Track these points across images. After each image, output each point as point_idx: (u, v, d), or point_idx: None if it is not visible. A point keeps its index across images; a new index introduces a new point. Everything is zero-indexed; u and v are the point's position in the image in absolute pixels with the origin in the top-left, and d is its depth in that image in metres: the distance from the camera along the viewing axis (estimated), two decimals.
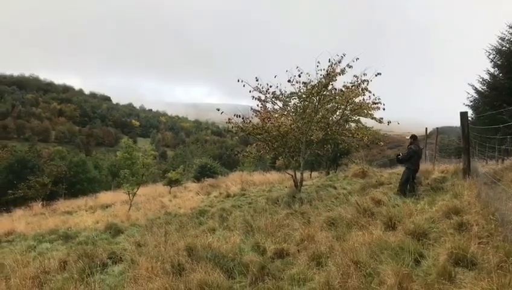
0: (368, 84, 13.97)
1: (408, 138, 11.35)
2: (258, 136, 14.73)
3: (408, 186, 10.24)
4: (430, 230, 5.97)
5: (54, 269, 7.46)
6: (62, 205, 29.64)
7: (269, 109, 14.86)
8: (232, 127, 14.68)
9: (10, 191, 37.09)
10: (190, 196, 22.95)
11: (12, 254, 9.84)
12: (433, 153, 17.60)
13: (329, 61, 13.53)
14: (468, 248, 4.74)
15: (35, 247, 12.07)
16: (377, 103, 15.07)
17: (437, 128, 19.46)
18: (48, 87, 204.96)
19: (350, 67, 13.46)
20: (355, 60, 13.44)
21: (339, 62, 13.48)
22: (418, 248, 5.23)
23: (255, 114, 14.96)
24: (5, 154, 45.43)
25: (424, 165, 14.67)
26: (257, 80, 13.94)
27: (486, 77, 22.99)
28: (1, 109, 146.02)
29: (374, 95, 14.67)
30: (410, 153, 10.75)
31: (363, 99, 14.81)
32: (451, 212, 6.47)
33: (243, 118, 14.51)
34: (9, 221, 20.83)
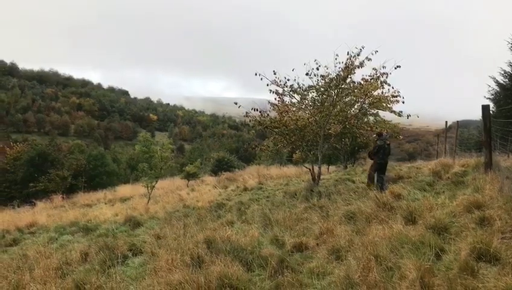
0: (387, 77, 13.84)
1: (374, 135, 12.88)
2: (275, 130, 14.69)
3: (376, 177, 11.70)
4: (451, 224, 5.89)
5: (75, 260, 7.58)
6: (82, 197, 30.09)
7: (287, 102, 14.82)
8: (250, 121, 14.69)
9: (31, 184, 37.82)
10: (207, 189, 23.05)
11: (35, 245, 10.03)
12: (453, 147, 17.35)
13: (347, 54, 13.43)
14: (491, 243, 4.67)
15: (56, 239, 12.26)
16: (396, 96, 14.94)
17: (457, 121, 19.17)
18: (67, 82, 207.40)
19: (369, 60, 13.33)
20: (374, 52, 13.31)
21: (358, 55, 13.36)
22: (439, 243, 5.16)
23: (272, 108, 14.94)
24: (26, 148, 46.17)
25: (444, 159, 14.51)
26: (275, 74, 13.91)
27: (508, 69, 22.56)
28: (22, 104, 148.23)
29: (393, 88, 14.55)
30: (375, 148, 12.25)
31: (382, 92, 14.69)
32: (472, 207, 6.37)
33: (260, 112, 14.49)
34: (31, 213, 21.21)
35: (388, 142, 12.57)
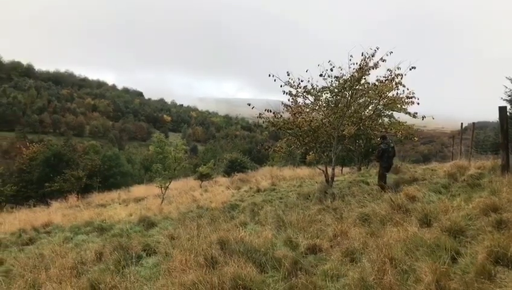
0: (401, 78, 13.73)
1: (378, 138, 13.09)
2: (288, 131, 14.66)
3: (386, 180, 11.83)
4: (467, 227, 5.82)
5: (90, 260, 7.67)
6: (96, 197, 30.37)
7: (300, 103, 14.79)
8: (263, 122, 14.68)
9: (47, 184, 38.29)
10: (221, 190, 23.08)
11: (51, 244, 10.15)
12: (468, 149, 17.14)
13: (362, 55, 13.36)
14: (508, 247, 4.59)
15: (71, 238, 12.38)
16: (411, 97, 14.81)
17: (473, 123, 18.93)
18: (82, 83, 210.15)
19: (384, 61, 13.24)
20: (388, 53, 13.21)
21: (372, 56, 13.28)
22: (454, 246, 5.10)
23: (286, 109, 14.91)
24: (41, 148, 46.76)
25: (459, 161, 14.34)
26: (288, 75, 13.87)
27: None
28: (38, 104, 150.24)
29: (407, 89, 14.44)
30: (379, 151, 12.37)
31: (397, 93, 14.58)
32: (489, 210, 6.27)
33: (273, 113, 14.48)
34: (46, 213, 21.46)
35: (392, 144, 12.53)
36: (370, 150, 24.10)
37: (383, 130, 15.61)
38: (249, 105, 14.27)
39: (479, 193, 8.45)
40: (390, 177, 14.00)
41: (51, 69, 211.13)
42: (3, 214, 25.45)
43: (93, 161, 46.34)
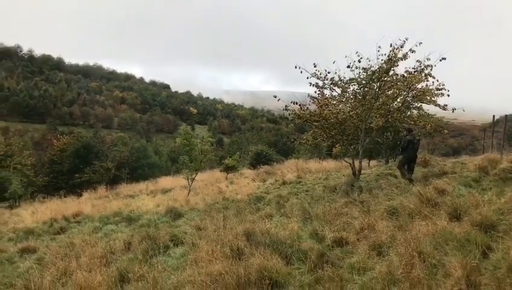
0: (431, 69, 13.43)
1: (405, 133, 13.39)
2: (315, 124, 14.54)
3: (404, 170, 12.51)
4: (498, 222, 5.66)
5: (119, 249, 7.83)
6: (124, 188, 30.96)
7: (327, 95, 14.64)
8: (289, 114, 14.59)
9: (77, 175, 39.17)
10: (246, 182, 23.15)
11: (81, 234, 10.42)
12: (500, 142, 16.68)
13: (390, 46, 13.11)
14: None
15: (101, 228, 12.66)
16: (441, 89, 14.48)
17: (506, 115, 18.40)
18: (110, 76, 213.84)
19: (413, 52, 12.96)
20: (418, 44, 12.93)
21: (401, 47, 13.02)
22: (485, 240, 4.98)
23: (312, 101, 14.79)
24: (71, 140, 47.78)
25: (491, 155, 13.96)
26: (315, 66, 13.73)
27: None
28: (68, 97, 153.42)
29: (437, 80, 14.12)
30: (405, 142, 12.83)
31: (426, 85, 14.28)
32: None
33: (300, 105, 14.37)
34: (76, 203, 21.98)
35: (418, 137, 12.41)
36: (398, 142, 23.74)
37: (412, 122, 15.33)
38: (275, 97, 14.19)
39: (511, 187, 8.23)
40: (419, 171, 13.79)
41: (81, 62, 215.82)
42: (35, 204, 26.24)
43: (122, 153, 47.17)
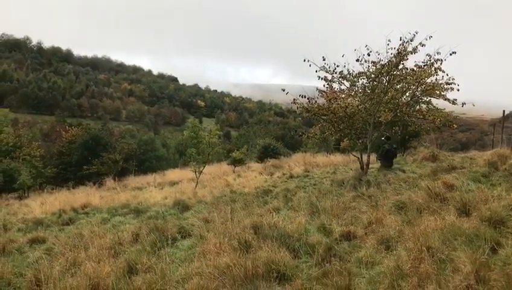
0: (441, 63, 13.32)
1: (383, 138, 14.76)
2: (323, 117, 14.49)
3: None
4: (508, 218, 5.63)
5: (127, 241, 7.87)
6: (132, 181, 31.15)
7: (336, 89, 14.57)
8: (297, 108, 14.54)
9: (85, 167, 39.37)
10: (253, 175, 23.16)
11: (89, 225, 10.48)
12: (510, 137, 16.54)
13: (400, 40, 13.01)
14: None
15: (109, 220, 12.70)
16: (451, 84, 14.37)
17: None
18: (118, 68, 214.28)
19: (423, 45, 12.86)
20: (428, 38, 12.82)
21: (411, 40, 12.92)
22: (495, 236, 4.96)
23: (320, 94, 14.72)
24: (80, 132, 47.96)
25: (500, 150, 13.85)
26: (324, 60, 13.66)
27: None
28: (76, 89, 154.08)
29: (447, 74, 14.01)
30: (383, 150, 14.25)
31: (436, 79, 14.17)
32: None
33: (308, 99, 14.32)
34: (84, 194, 22.11)
35: (395, 145, 13.52)
36: (407, 137, 23.61)
37: (421, 116, 15.23)
38: (283, 91, 14.16)
39: None
40: (427, 166, 13.71)
41: (89, 54, 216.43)
42: (44, 195, 26.46)
43: (130, 145, 47.29)
